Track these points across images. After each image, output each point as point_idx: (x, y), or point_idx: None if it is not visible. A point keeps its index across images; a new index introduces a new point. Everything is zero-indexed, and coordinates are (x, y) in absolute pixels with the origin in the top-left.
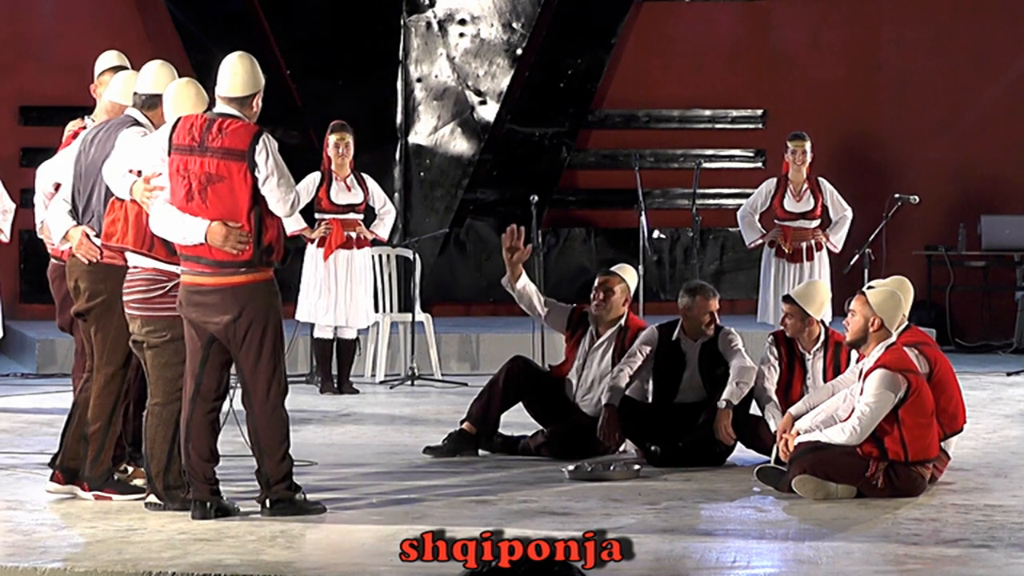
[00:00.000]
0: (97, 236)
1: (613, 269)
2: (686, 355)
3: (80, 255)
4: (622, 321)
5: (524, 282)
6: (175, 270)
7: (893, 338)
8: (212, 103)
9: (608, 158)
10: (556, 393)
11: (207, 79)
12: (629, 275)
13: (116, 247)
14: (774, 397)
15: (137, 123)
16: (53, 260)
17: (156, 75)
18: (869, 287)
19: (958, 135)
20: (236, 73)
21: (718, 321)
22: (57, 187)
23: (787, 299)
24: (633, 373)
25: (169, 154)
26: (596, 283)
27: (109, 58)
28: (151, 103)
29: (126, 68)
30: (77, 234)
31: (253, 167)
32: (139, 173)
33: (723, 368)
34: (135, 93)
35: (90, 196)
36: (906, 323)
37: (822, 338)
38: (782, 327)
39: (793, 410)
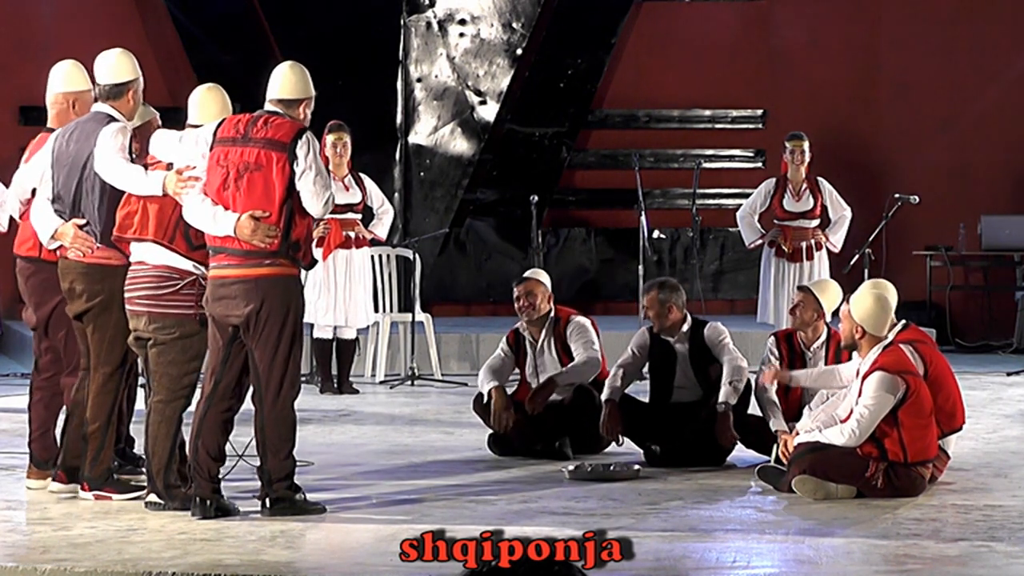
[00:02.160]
0: (84, 227)
1: (526, 275)
2: (676, 352)
3: (75, 248)
4: (552, 316)
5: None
6: (190, 267)
7: (890, 339)
8: (235, 110)
9: (608, 158)
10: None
11: (208, 80)
12: (543, 276)
13: (132, 238)
14: (774, 397)
15: (112, 118)
16: (20, 260)
17: (118, 64)
18: (856, 294)
19: (958, 135)
20: (286, 77)
21: (668, 311)
22: (33, 192)
23: (802, 288)
24: (630, 372)
25: (212, 148)
26: (516, 295)
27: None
28: (116, 92)
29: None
30: (69, 229)
31: (293, 159)
32: (169, 166)
33: (716, 365)
34: (97, 84)
35: (76, 195)
36: (905, 322)
37: (824, 336)
38: (790, 316)
39: (800, 426)
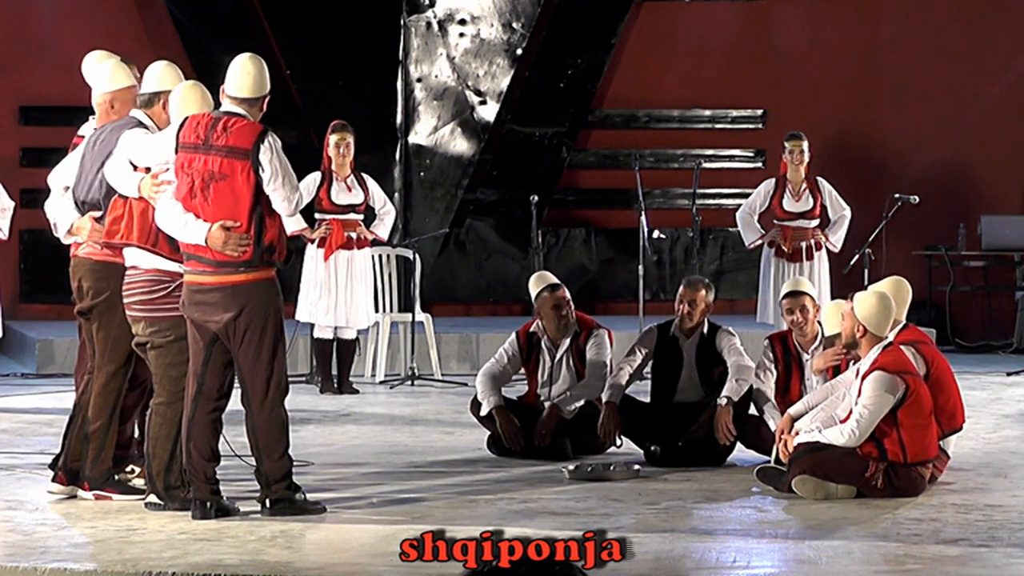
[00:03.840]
0: (99, 219)
1: (553, 282)
2: (683, 353)
3: (92, 242)
4: (575, 324)
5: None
6: (178, 269)
7: (890, 339)
8: (218, 104)
9: (608, 158)
10: (535, 416)
11: (207, 79)
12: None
13: (119, 244)
14: (772, 398)
15: (141, 124)
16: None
17: (155, 74)
18: (859, 292)
19: (958, 135)
20: (248, 73)
21: (696, 310)
22: (67, 189)
23: (793, 294)
24: (633, 371)
25: (176, 152)
26: (552, 304)
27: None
28: (148, 101)
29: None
30: (86, 222)
31: (257, 166)
32: (147, 170)
33: (721, 368)
34: (139, 93)
35: (89, 193)
36: (904, 322)
37: (819, 336)
38: (789, 325)
39: (792, 411)
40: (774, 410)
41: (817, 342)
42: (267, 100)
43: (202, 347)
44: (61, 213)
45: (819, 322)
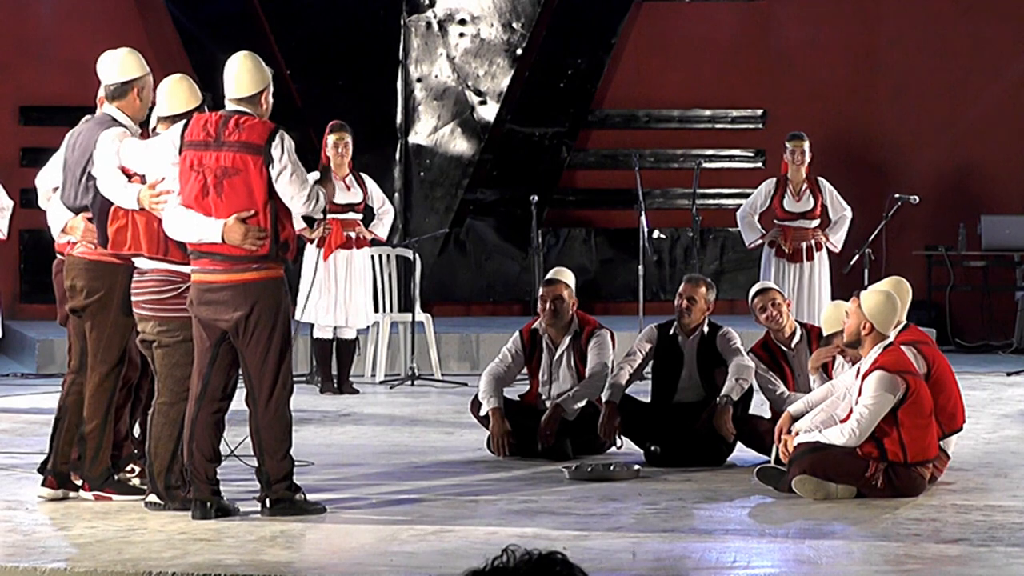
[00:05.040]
0: (92, 220)
1: (554, 276)
2: (683, 352)
3: (85, 242)
4: (575, 324)
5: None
6: (189, 270)
7: (891, 338)
8: (205, 100)
9: (608, 158)
10: (536, 416)
11: (207, 79)
12: (569, 278)
13: (129, 255)
14: (788, 391)
15: (115, 121)
16: (58, 256)
17: (122, 62)
18: (864, 290)
19: (958, 135)
20: (241, 73)
21: (695, 307)
22: (56, 190)
23: (761, 292)
24: (633, 371)
25: (181, 152)
26: (541, 295)
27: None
28: (120, 92)
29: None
30: (79, 223)
31: (268, 161)
32: (143, 179)
33: (721, 368)
34: (105, 86)
35: (75, 196)
36: (904, 323)
37: (798, 332)
38: (766, 324)
39: (792, 409)
40: (792, 397)
41: (798, 337)
42: (269, 92)
43: (209, 347)
44: (54, 214)
45: (797, 320)
